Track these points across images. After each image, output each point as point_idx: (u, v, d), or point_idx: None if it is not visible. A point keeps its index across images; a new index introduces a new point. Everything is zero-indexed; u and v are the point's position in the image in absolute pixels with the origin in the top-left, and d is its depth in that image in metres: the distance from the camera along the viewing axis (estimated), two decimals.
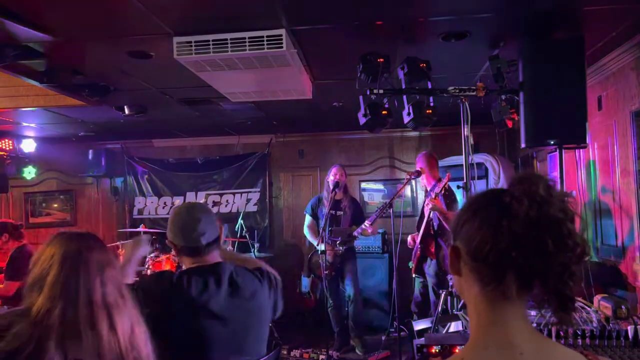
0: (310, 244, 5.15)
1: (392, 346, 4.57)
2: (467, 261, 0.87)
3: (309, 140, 6.43)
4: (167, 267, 4.93)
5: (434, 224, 4.13)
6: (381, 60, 2.82)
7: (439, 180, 3.98)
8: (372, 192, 6.33)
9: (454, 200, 4.06)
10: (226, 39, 2.68)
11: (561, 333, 2.00)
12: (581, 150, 3.19)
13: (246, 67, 2.94)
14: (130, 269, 2.03)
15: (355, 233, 4.57)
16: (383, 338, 4.89)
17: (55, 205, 6.90)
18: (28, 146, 6.00)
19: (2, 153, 5.78)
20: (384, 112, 2.99)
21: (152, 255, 5.10)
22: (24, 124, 5.35)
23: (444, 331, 2.77)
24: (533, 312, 1.88)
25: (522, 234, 0.80)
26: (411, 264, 4.30)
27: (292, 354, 4.68)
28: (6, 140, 5.77)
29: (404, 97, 2.98)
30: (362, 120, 3.05)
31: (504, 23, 2.72)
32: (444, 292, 3.16)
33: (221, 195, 6.50)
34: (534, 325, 1.82)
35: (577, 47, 2.72)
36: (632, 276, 3.10)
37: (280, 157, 6.47)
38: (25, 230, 4.49)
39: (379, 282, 5.46)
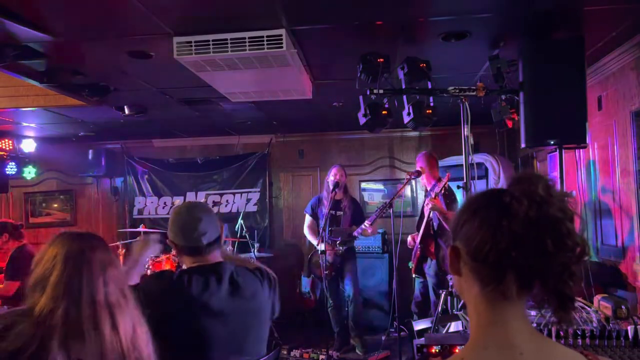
0: (310, 244, 5.14)
1: (392, 346, 4.57)
2: (467, 261, 0.87)
3: (309, 140, 6.43)
4: (167, 267, 4.92)
5: (434, 224, 4.13)
6: (381, 60, 2.82)
7: (439, 180, 3.98)
8: (372, 192, 6.33)
9: (454, 200, 4.06)
10: (226, 39, 2.68)
11: (561, 333, 2.00)
12: (581, 150, 3.20)
13: (246, 67, 2.95)
14: (136, 270, 2.02)
15: (355, 233, 4.57)
16: (383, 338, 4.89)
17: (55, 205, 6.90)
18: (28, 146, 6.00)
19: (2, 153, 5.78)
20: (384, 112, 2.99)
21: (152, 255, 5.09)
22: (24, 124, 5.35)
23: (444, 331, 2.77)
24: (533, 312, 1.88)
25: (521, 234, 0.80)
26: (411, 264, 4.30)
27: (292, 354, 4.67)
28: (6, 140, 5.77)
29: (404, 97, 2.98)
30: (362, 120, 3.06)
31: (504, 23, 2.71)
32: (444, 292, 3.16)
33: (221, 195, 6.50)
34: (534, 325, 1.83)
35: (577, 47, 2.72)
36: (632, 276, 3.10)
37: (280, 157, 6.47)
38: (26, 230, 4.49)
39: (379, 282, 5.45)
